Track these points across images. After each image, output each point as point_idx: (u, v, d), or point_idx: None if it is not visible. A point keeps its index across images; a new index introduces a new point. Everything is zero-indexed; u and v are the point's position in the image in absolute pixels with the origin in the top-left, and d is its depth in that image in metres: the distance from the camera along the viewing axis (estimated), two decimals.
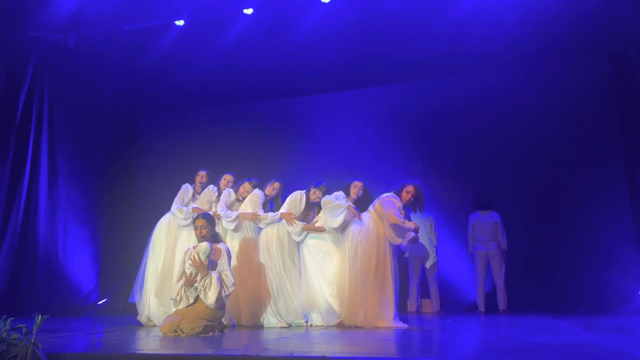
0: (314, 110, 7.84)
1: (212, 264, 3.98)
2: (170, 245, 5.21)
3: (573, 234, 6.40)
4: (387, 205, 4.49)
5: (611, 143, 6.46)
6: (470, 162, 7.01)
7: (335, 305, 4.64)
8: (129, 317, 5.57)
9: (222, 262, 4.04)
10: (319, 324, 4.74)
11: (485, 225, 6.33)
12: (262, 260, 4.94)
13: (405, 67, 7.20)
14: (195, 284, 3.88)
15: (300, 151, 7.61)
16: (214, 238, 4.19)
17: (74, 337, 3.80)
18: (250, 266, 4.93)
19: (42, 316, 2.67)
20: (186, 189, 5.43)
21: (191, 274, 3.88)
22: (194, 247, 4.11)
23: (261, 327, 4.75)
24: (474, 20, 6.51)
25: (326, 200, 4.79)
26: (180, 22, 7.04)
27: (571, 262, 6.31)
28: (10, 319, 2.67)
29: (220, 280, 3.90)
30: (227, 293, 3.94)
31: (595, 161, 6.48)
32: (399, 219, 4.43)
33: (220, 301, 3.89)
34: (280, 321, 4.78)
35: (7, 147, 6.32)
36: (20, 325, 2.60)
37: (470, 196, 6.63)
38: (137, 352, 2.77)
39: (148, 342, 3.48)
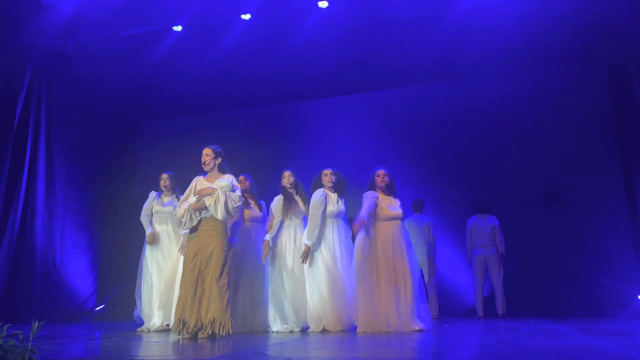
0: (311, 115, 7.85)
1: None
2: (163, 254, 5.26)
3: (571, 238, 6.40)
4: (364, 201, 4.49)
5: (608, 148, 6.48)
6: (468, 167, 7.03)
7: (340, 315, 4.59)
8: (127, 323, 5.55)
9: (227, 185, 4.20)
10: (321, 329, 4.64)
11: (484, 230, 6.33)
12: (273, 265, 4.89)
13: (403, 72, 7.23)
14: (206, 202, 4.05)
15: (298, 156, 7.60)
16: (221, 169, 4.34)
17: (71, 343, 3.78)
18: (253, 271, 4.87)
19: (39, 322, 2.66)
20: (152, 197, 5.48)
21: (202, 201, 4.07)
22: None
23: (264, 332, 4.72)
24: (472, 27, 6.55)
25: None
26: (178, 28, 7.06)
27: (569, 266, 6.31)
28: (7, 325, 2.66)
29: (225, 194, 4.07)
30: (235, 205, 4.08)
31: (593, 166, 6.49)
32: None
33: (229, 213, 4.06)
34: (287, 326, 4.74)
35: (4, 153, 6.31)
36: (17, 332, 2.58)
37: (468, 200, 6.64)
38: (134, 358, 2.76)
39: (145, 348, 3.47)
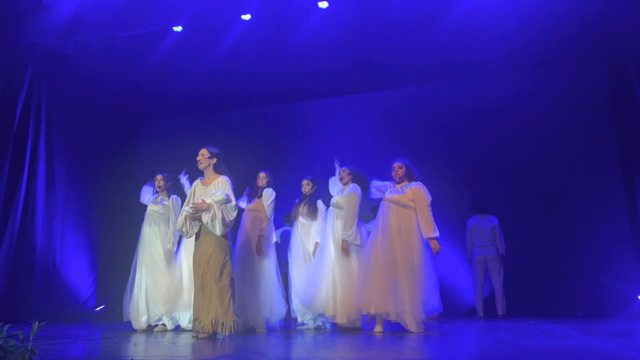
0: (311, 116, 7.84)
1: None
2: (152, 255, 5.30)
3: (571, 239, 6.40)
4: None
5: (608, 148, 6.48)
6: (468, 167, 7.02)
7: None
8: (127, 323, 5.55)
9: (222, 199, 4.22)
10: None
11: (484, 230, 6.33)
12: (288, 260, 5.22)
13: (403, 73, 7.22)
14: (203, 219, 4.12)
15: (298, 156, 7.61)
16: (217, 169, 4.39)
17: (71, 343, 3.78)
18: (258, 267, 4.95)
19: (39, 323, 2.66)
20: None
21: (197, 212, 4.14)
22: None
23: (264, 329, 4.80)
24: (472, 27, 6.53)
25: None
26: (178, 28, 7.05)
27: (569, 266, 6.31)
28: (7, 325, 2.66)
29: (221, 209, 4.14)
30: (232, 218, 4.17)
31: (593, 166, 6.49)
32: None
33: (227, 227, 4.15)
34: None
35: (4, 153, 6.31)
36: (17, 332, 2.58)
37: (469, 200, 6.63)
38: (134, 358, 2.76)
39: (145, 348, 3.47)
